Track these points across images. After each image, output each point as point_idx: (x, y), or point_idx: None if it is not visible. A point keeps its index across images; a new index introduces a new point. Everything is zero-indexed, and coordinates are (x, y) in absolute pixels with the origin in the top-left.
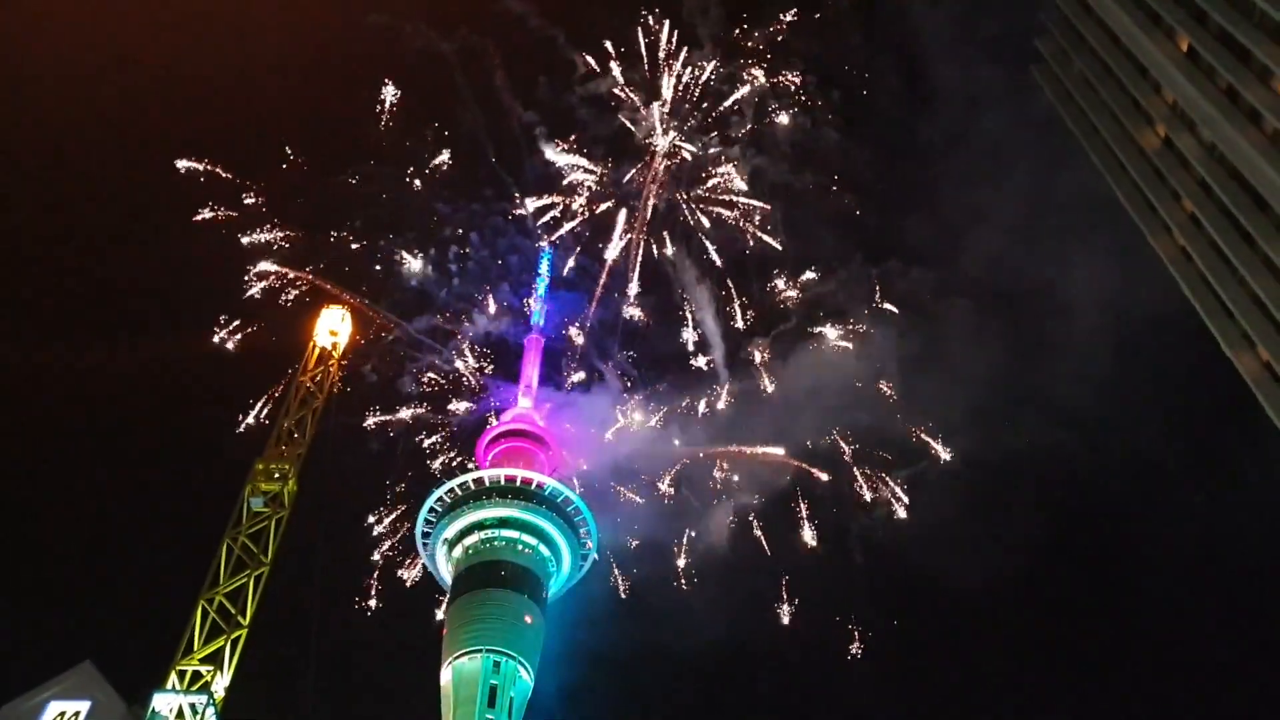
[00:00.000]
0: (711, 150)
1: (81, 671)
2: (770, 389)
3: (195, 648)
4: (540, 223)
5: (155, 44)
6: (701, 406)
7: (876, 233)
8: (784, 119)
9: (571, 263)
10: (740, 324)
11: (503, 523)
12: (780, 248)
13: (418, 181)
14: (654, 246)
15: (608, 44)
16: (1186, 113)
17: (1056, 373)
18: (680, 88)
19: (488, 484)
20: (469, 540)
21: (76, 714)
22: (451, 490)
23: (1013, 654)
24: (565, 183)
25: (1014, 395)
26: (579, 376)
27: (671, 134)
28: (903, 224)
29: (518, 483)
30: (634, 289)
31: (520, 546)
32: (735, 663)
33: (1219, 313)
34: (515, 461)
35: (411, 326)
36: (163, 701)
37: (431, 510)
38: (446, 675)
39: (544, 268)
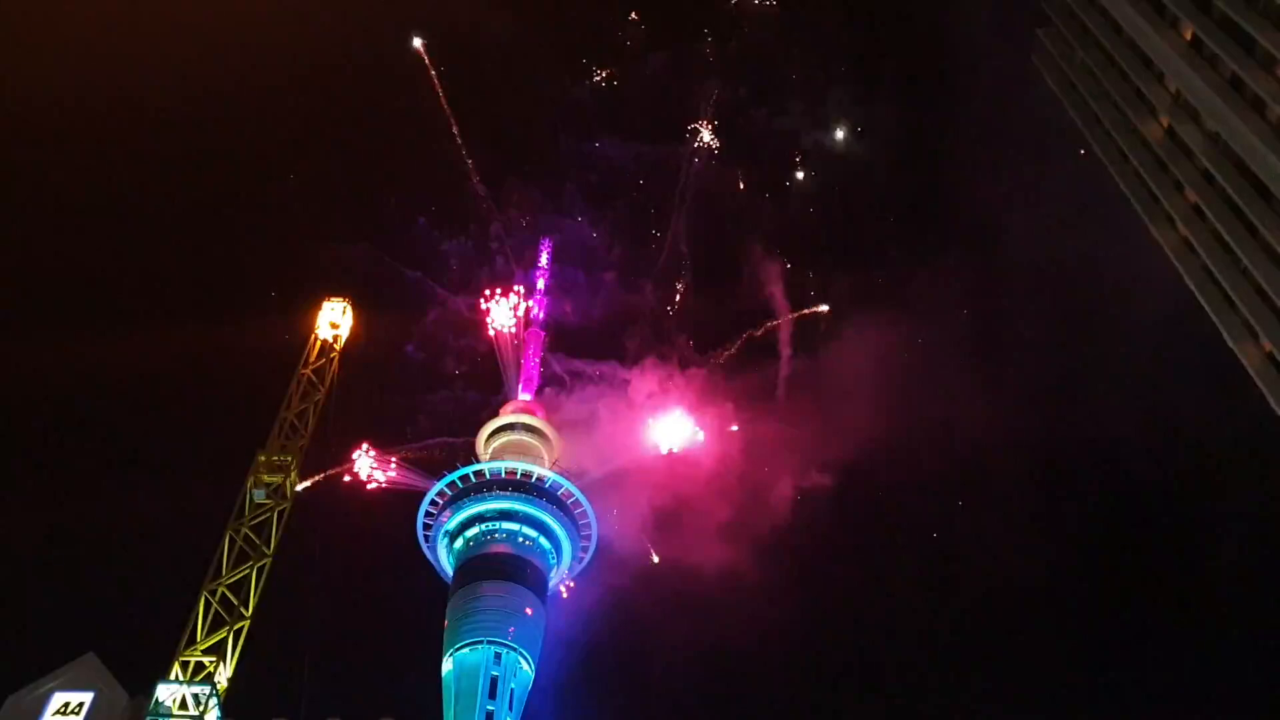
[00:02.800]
0: (761, 125)
1: (85, 663)
2: (819, 373)
3: (198, 639)
4: (584, 202)
5: (192, 21)
6: (755, 387)
7: (923, 213)
8: (836, 95)
9: (619, 243)
10: (792, 306)
11: (503, 515)
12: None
13: (470, 160)
14: (707, 225)
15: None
16: (1190, 102)
17: (1109, 356)
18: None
19: (488, 476)
20: (470, 532)
21: (80, 705)
22: (452, 483)
23: (1063, 647)
24: (612, 160)
25: (1065, 380)
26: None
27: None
28: (950, 206)
29: (518, 475)
30: (686, 268)
31: (521, 539)
32: (765, 656)
33: (1222, 303)
34: (516, 454)
35: (449, 305)
36: (166, 692)
37: (433, 503)
38: (448, 666)
39: (544, 261)
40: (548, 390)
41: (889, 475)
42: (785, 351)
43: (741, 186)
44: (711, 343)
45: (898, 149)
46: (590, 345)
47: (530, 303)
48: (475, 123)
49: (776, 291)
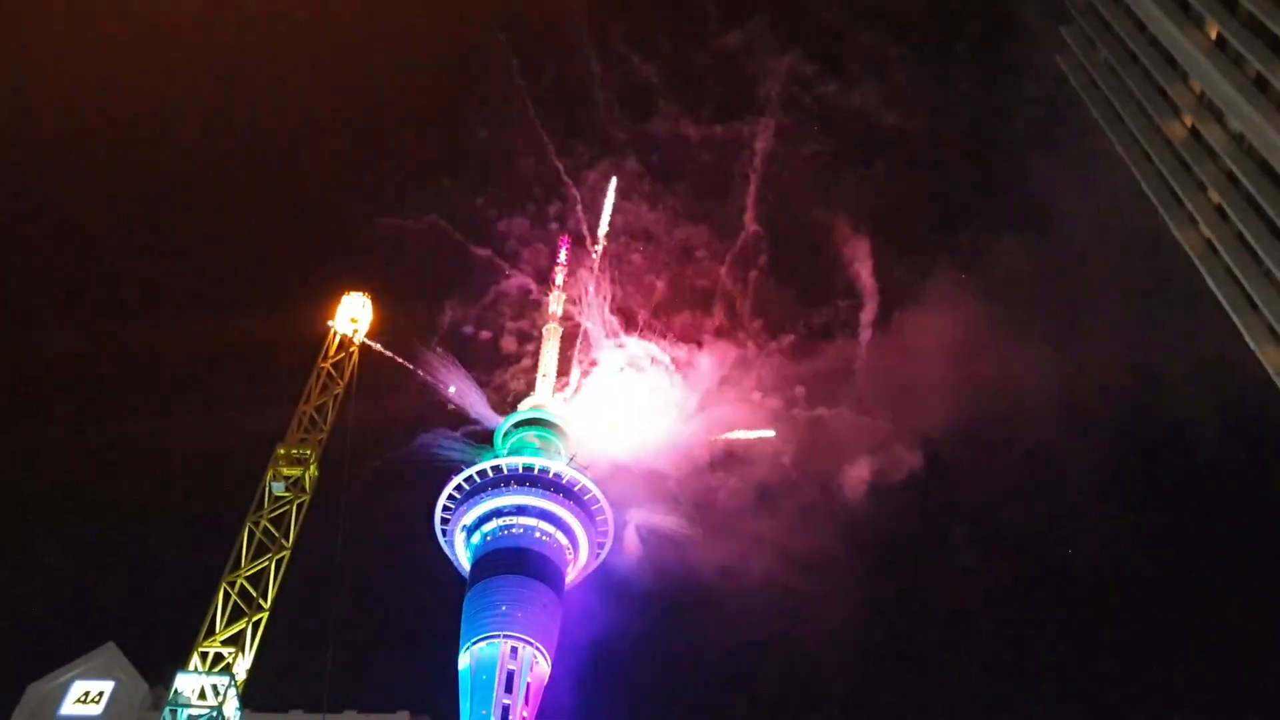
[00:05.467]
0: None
1: (105, 652)
2: (887, 357)
3: (217, 630)
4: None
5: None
6: (825, 370)
7: (990, 192)
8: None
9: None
10: (864, 287)
11: (520, 510)
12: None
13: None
14: (777, 203)
15: None
16: (1214, 102)
17: (1182, 335)
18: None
19: (505, 471)
20: (487, 527)
21: (100, 694)
22: (470, 477)
23: (1138, 636)
24: (682, 137)
25: (1138, 360)
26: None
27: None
28: (1017, 184)
29: (535, 470)
30: (761, 246)
31: (538, 534)
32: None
33: (1244, 305)
34: (532, 449)
35: (507, 284)
36: (185, 682)
37: (450, 497)
38: (465, 660)
39: (562, 256)
40: (623, 371)
41: (961, 460)
42: (866, 334)
43: (811, 164)
44: (783, 323)
45: (965, 126)
46: (663, 327)
47: (558, 293)
48: (542, 101)
49: (859, 272)
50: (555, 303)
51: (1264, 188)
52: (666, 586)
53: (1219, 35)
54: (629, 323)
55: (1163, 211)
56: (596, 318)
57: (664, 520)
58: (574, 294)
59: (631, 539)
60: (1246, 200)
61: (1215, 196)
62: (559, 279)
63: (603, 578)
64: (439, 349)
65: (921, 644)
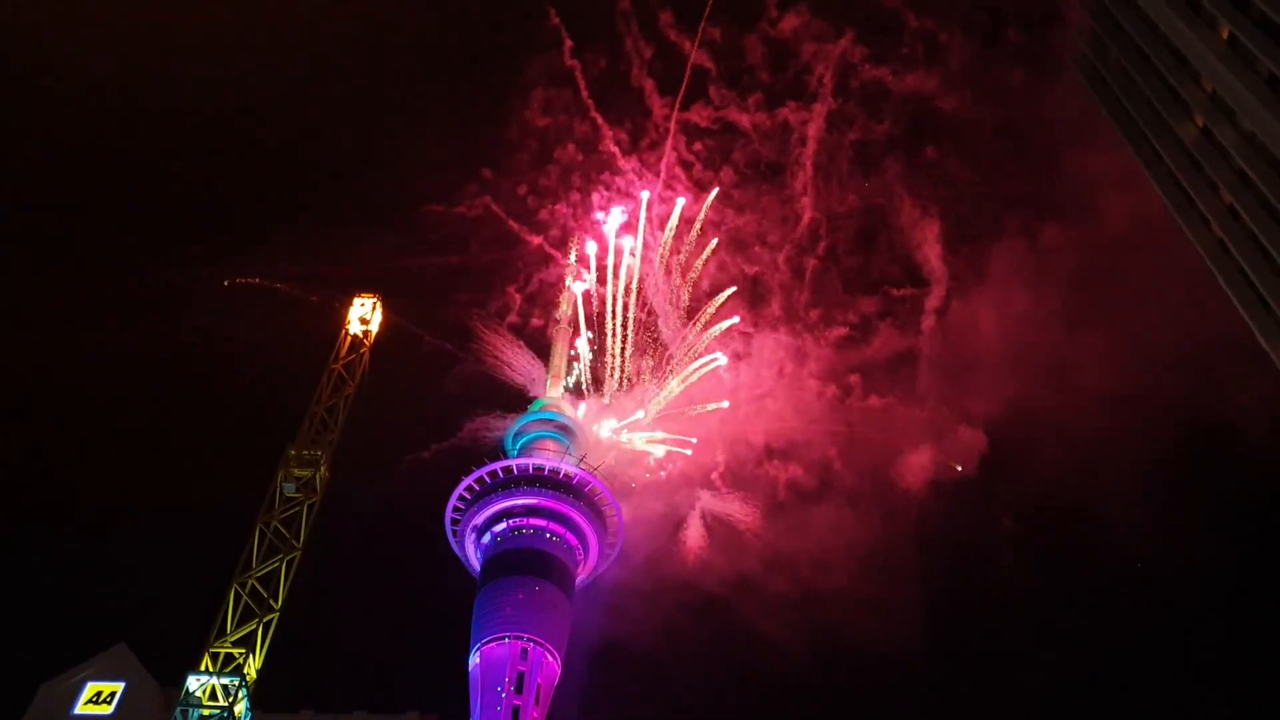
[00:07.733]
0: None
1: (117, 653)
2: (935, 349)
3: (228, 631)
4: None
5: None
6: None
7: (1037, 177)
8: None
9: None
10: (915, 275)
11: (530, 511)
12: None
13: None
14: (827, 189)
15: None
16: (1226, 102)
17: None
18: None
19: (516, 473)
20: (497, 528)
21: (112, 694)
22: (480, 478)
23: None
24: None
25: (1194, 348)
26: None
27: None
28: (1062, 175)
29: (546, 472)
30: (819, 233)
31: (548, 535)
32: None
33: (1256, 305)
34: (543, 450)
35: (553, 271)
36: (196, 683)
37: (461, 498)
38: (475, 660)
39: (573, 258)
40: (678, 361)
41: (1015, 451)
42: (927, 322)
43: (863, 150)
44: (838, 312)
45: (1015, 113)
46: (717, 316)
47: (570, 292)
48: (592, 87)
49: (924, 258)
50: (565, 303)
51: (1276, 188)
52: (713, 581)
53: (1230, 35)
54: (683, 310)
55: (1174, 211)
56: (651, 304)
57: (718, 509)
58: (627, 282)
59: (660, 532)
60: (1258, 200)
61: (1227, 196)
62: (569, 280)
63: (617, 578)
64: (503, 330)
65: (979, 643)
